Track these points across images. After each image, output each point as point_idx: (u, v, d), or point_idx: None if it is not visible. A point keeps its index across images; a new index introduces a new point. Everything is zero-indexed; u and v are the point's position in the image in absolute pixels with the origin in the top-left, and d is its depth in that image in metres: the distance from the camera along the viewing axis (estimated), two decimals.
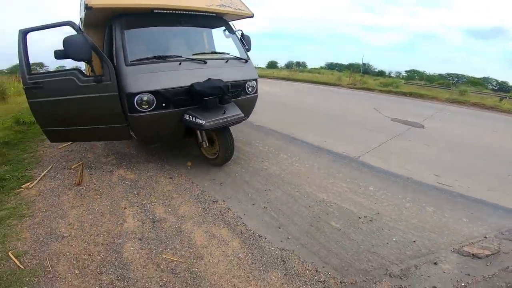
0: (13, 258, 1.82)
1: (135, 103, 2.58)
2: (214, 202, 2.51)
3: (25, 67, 2.54)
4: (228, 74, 3.08)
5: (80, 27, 3.30)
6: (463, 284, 1.72)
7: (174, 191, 2.70)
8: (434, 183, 3.03)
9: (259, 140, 4.21)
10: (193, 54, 3.08)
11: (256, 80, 3.45)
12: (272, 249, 1.96)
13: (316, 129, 4.91)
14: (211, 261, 1.84)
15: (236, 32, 3.49)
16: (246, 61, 3.40)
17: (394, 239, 2.08)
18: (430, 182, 3.05)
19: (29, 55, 2.57)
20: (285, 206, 2.48)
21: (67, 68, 2.91)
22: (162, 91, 2.65)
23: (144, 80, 2.61)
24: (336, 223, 2.26)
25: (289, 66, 36.59)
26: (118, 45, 2.66)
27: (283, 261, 1.85)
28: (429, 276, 1.76)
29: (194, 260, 1.84)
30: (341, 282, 1.69)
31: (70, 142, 4.04)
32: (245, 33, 3.57)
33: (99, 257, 1.86)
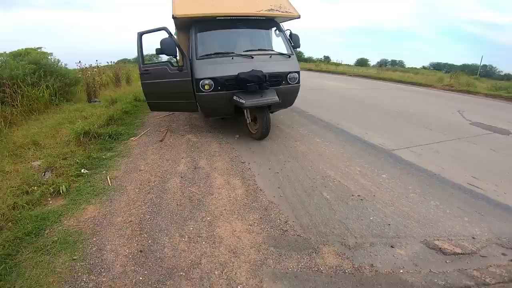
0: (108, 180, 2.96)
1: (200, 86, 3.60)
2: (241, 162, 3.26)
3: (140, 59, 3.88)
4: (269, 67, 3.77)
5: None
6: (401, 271, 1.76)
7: (218, 152, 3.59)
8: (464, 183, 2.90)
9: (303, 126, 4.71)
10: (244, 51, 3.90)
11: (298, 72, 4.00)
12: (263, 200, 2.56)
13: (366, 122, 5.00)
14: (217, 197, 2.61)
15: (285, 32, 4.10)
16: (290, 56, 3.98)
17: (370, 218, 2.31)
18: (460, 182, 2.93)
19: (143, 50, 3.91)
20: (294, 175, 3.00)
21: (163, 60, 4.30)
22: (217, 78, 3.59)
23: (207, 70, 3.61)
24: (328, 195, 2.64)
25: (382, 64, 33.45)
26: (192, 44, 3.75)
27: (266, 209, 2.42)
28: (375, 255, 1.89)
29: (206, 195, 2.64)
30: (298, 235, 2.10)
31: (165, 113, 5.55)
32: (295, 32, 4.16)
33: (153, 184, 2.87)
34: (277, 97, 3.62)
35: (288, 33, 4.18)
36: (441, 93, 10.30)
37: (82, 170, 3.21)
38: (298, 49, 4.23)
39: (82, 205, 2.52)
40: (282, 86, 3.92)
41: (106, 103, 6.77)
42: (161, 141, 4.08)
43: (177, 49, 3.59)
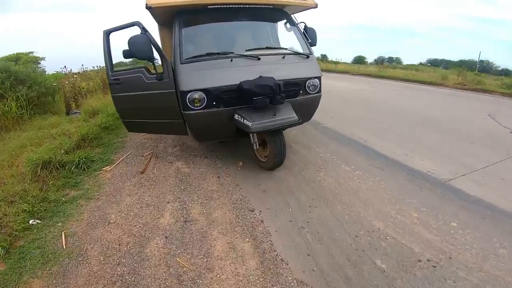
0: (63, 238, 2.07)
1: (187, 101, 2.64)
2: (250, 211, 2.35)
3: (108, 65, 2.95)
4: (283, 71, 2.84)
5: None
6: None
7: (216, 192, 2.67)
8: None
9: (321, 144, 3.79)
10: (246, 50, 2.94)
11: (319, 78, 3.09)
12: (289, 279, 1.68)
13: (397, 137, 4.09)
14: (219, 276, 1.71)
15: (298, 25, 3.19)
16: (308, 56, 3.07)
17: None
18: None
19: (111, 54, 2.97)
20: (326, 230, 2.10)
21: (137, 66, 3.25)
22: (211, 89, 2.63)
23: (196, 78, 2.64)
24: (383, 263, 1.77)
25: (382, 62, 32.95)
26: (175, 43, 2.78)
27: None
28: None
29: (203, 271, 1.75)
30: None
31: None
32: (311, 26, 3.24)
33: (125, 248, 1.97)
34: (295, 114, 2.72)
35: (302, 26, 3.25)
36: (455, 92, 9.56)
37: (31, 221, 2.35)
38: (314, 47, 3.30)
39: (24, 277, 1.73)
40: (300, 97, 3.00)
41: (86, 116, 5.82)
42: (142, 172, 3.16)
43: (153, 49, 2.61)
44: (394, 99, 7.69)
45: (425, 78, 12.82)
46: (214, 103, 2.68)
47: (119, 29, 2.83)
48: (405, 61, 42.22)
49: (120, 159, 3.53)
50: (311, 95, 3.07)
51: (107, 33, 2.88)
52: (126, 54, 2.72)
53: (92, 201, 2.63)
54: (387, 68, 22.85)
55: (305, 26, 3.25)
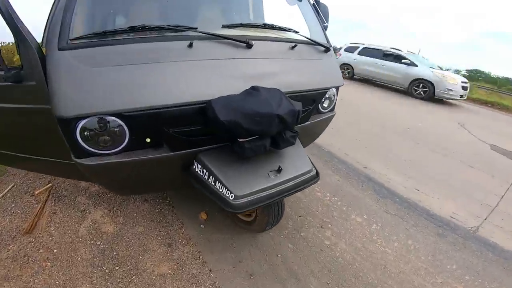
0: None
1: (79, 139, 1.14)
2: None
3: None
4: (295, 75, 1.56)
5: None
6: None
7: (170, 280, 1.54)
8: None
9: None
10: (224, 27, 1.50)
11: (337, 88, 1.92)
12: None
13: (395, 160, 3.35)
14: None
15: None
16: (328, 49, 1.80)
17: None
18: None
19: None
20: None
21: None
22: (139, 114, 1.15)
23: (98, 85, 1.10)
24: None
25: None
26: (57, 10, 1.17)
27: None
28: None
29: None
30: None
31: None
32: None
33: None
34: (311, 164, 1.55)
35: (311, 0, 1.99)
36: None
37: None
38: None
39: None
40: (311, 121, 1.78)
41: None
42: (27, 232, 1.81)
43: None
44: (358, 100, 7.29)
45: None
46: (147, 140, 1.25)
47: None
48: None
49: None
50: (324, 116, 1.89)
51: None
52: None
53: None
54: None
55: (316, 0, 2.01)
